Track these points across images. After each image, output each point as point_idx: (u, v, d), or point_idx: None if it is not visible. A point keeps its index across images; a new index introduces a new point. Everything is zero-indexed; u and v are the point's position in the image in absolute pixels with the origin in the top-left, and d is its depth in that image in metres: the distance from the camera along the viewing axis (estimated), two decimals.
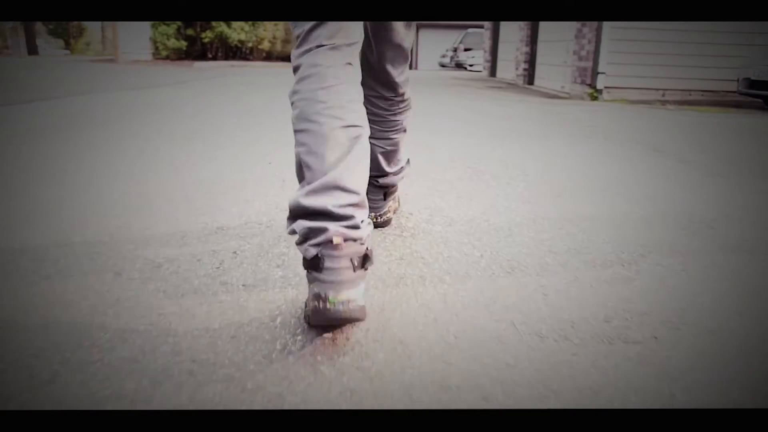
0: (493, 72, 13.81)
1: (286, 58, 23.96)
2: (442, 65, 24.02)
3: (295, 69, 1.16)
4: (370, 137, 1.24)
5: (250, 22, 19.52)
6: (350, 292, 1.02)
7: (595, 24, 7.79)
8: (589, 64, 7.95)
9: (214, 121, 4.08)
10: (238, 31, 18.73)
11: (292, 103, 1.15)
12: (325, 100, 1.10)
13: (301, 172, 1.10)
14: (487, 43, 14.02)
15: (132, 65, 13.77)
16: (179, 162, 2.65)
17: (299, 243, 1.08)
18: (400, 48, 1.42)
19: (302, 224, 1.06)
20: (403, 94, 1.53)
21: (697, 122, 5.14)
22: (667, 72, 8.02)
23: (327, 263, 1.03)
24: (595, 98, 7.88)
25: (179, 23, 16.88)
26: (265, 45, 21.79)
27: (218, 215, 1.85)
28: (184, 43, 17.19)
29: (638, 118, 5.34)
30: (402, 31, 1.39)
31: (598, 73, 7.88)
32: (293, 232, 1.09)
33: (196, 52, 18.28)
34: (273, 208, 1.94)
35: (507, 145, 3.42)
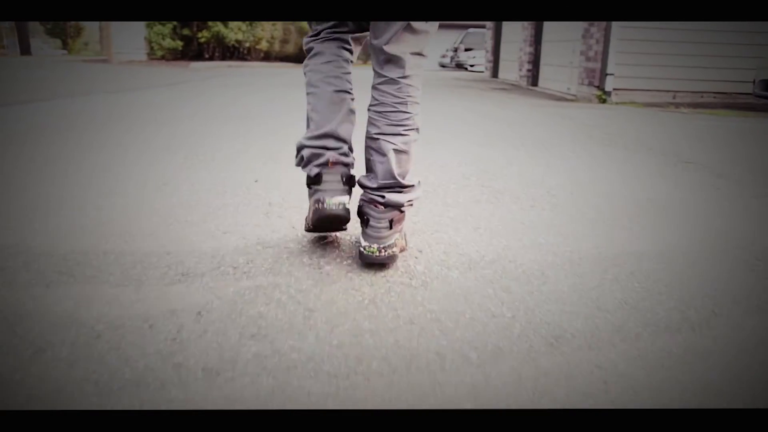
0: (495, 73, 13.48)
1: (285, 58, 23.70)
2: (442, 65, 23.71)
3: (308, 50, 1.58)
4: (380, 133, 1.46)
5: (247, 22, 19.19)
6: (341, 198, 1.46)
7: (603, 24, 7.47)
8: (597, 65, 7.63)
9: (199, 129, 3.75)
10: (235, 31, 18.38)
11: (304, 74, 1.58)
12: (325, 71, 1.52)
13: (308, 122, 1.55)
14: (489, 44, 13.69)
15: (125, 66, 13.41)
16: (150, 182, 2.31)
17: (304, 165, 1.52)
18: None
19: (308, 150, 1.51)
20: (409, 77, 1.48)
21: (716, 127, 4.82)
22: (678, 73, 7.70)
23: (325, 177, 1.46)
24: (603, 100, 7.56)
25: (175, 23, 16.53)
26: (263, 45, 21.44)
27: (186, 254, 1.52)
28: (179, 43, 16.84)
29: (655, 122, 5.01)
30: None
31: (607, 74, 7.55)
32: (301, 160, 1.54)
33: (193, 52, 17.93)
34: (254, 244, 1.60)
35: (523, 156, 3.09)
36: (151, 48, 16.51)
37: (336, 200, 1.45)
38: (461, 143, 3.44)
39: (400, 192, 1.46)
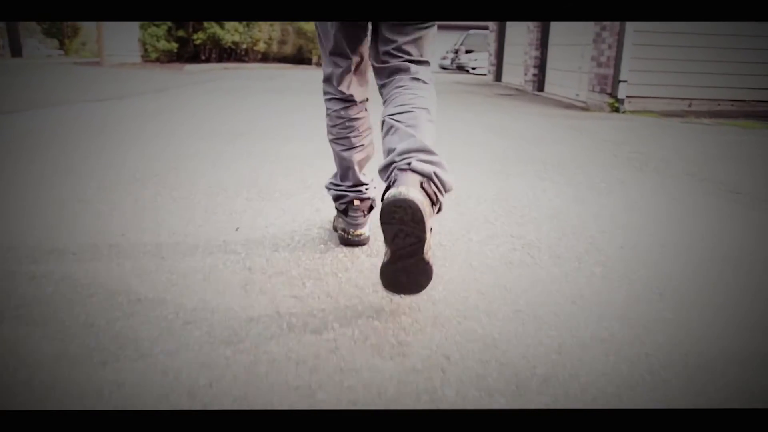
0: (498, 76, 13.07)
1: (283, 59, 23.27)
2: (443, 67, 23.33)
3: (324, 96, 1.77)
4: (389, 114, 1.44)
5: (244, 23, 18.75)
6: (361, 230, 1.80)
7: (616, 28, 7.07)
8: (610, 71, 7.23)
9: (177, 151, 3.33)
10: (231, 33, 17.94)
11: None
12: (334, 133, 1.76)
13: (336, 165, 1.82)
14: (493, 46, 13.28)
15: (116, 69, 12.95)
16: (104, 234, 1.90)
17: (334, 200, 1.84)
18: (399, 35, 1.50)
19: (333, 192, 1.83)
20: (420, 78, 1.53)
21: (747, 143, 4.42)
22: (694, 80, 7.31)
23: (350, 213, 1.79)
24: (615, 109, 7.17)
25: (169, 24, 16.09)
26: (261, 46, 21.02)
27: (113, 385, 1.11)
28: (174, 45, 16.40)
29: (680, 137, 4.61)
30: (397, 26, 1.49)
31: (620, 81, 7.15)
32: (331, 193, 1.84)
33: (188, 54, 17.49)
34: (221, 346, 1.19)
35: (550, 188, 2.68)
36: (145, 50, 16.05)
37: (358, 232, 1.79)
38: (476, 171, 3.03)
39: (426, 162, 1.28)
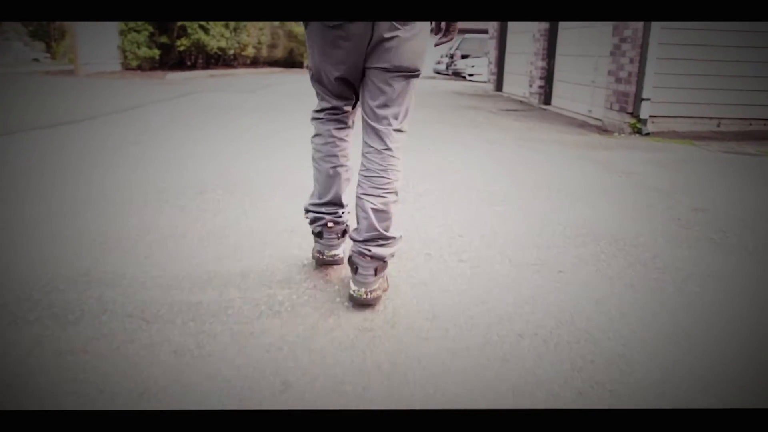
0: (499, 86, 12.34)
1: (274, 63, 22.47)
2: (437, 72, 22.65)
3: (314, 125, 1.94)
4: (364, 194, 1.77)
5: (231, 28, 17.91)
6: (335, 251, 1.99)
7: (638, 40, 6.35)
8: (631, 88, 6.50)
9: (112, 220, 2.56)
10: (217, 38, 17.11)
11: (312, 147, 1.97)
12: (324, 151, 1.90)
13: (313, 187, 1.97)
14: (493, 54, 12.53)
15: (90, 79, 12.08)
16: None
17: (310, 223, 1.99)
18: (383, 94, 1.74)
19: (312, 214, 1.96)
20: (392, 149, 1.77)
21: None
22: (723, 97, 6.60)
23: (325, 235, 1.95)
24: (637, 129, 6.45)
25: (151, 29, 15.24)
26: (249, 51, 20.20)
27: None
28: (156, 52, 15.54)
29: (741, 178, 3.87)
30: (384, 77, 1.71)
31: (642, 99, 6.43)
32: (307, 217, 1.99)
33: (173, 60, 16.64)
34: None
35: (629, 296, 1.93)
36: (125, 57, 15.17)
37: (332, 253, 1.98)
38: (505, 267, 2.27)
39: (383, 245, 1.77)
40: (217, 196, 2.91)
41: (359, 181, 1.79)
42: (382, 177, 1.75)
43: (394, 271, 1.98)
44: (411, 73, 1.72)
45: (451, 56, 21.66)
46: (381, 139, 1.75)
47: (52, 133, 4.85)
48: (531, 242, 2.34)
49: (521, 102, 10.02)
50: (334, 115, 1.88)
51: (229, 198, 2.89)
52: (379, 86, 1.72)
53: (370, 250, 1.73)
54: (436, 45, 1.81)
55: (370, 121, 1.77)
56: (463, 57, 21.12)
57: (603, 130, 6.86)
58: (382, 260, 1.76)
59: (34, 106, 6.99)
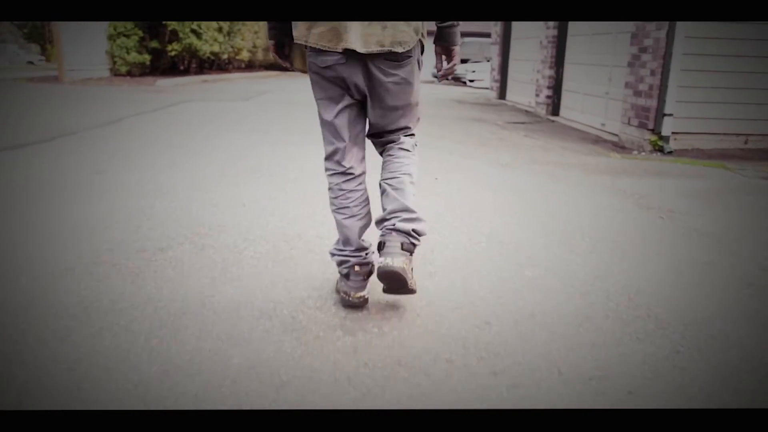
0: (502, 94, 11.82)
1: (270, 67, 21.92)
2: (435, 76, 22.12)
3: (326, 172, 2.00)
4: (382, 179, 1.95)
5: (224, 32, 17.36)
6: (361, 292, 1.97)
7: (660, 51, 5.83)
8: (652, 102, 5.98)
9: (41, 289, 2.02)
10: (210, 42, 16.52)
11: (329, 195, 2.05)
12: (336, 204, 1.97)
13: (338, 233, 2.02)
14: (496, 60, 12.01)
15: (76, 86, 11.50)
16: None
17: (337, 265, 2.01)
18: (393, 109, 1.90)
19: (337, 257, 2.00)
20: (403, 142, 2.01)
21: None
22: (752, 112, 6.09)
23: (351, 277, 1.97)
24: (659, 147, 5.93)
25: (141, 34, 14.68)
26: (244, 55, 19.66)
27: None
28: (147, 57, 14.98)
29: None
30: (393, 90, 1.85)
31: (665, 114, 5.91)
32: (334, 260, 2.03)
33: (164, 65, 16.08)
34: None
35: None
36: (114, 63, 14.58)
37: (358, 294, 1.97)
38: (558, 382, 1.73)
39: (406, 219, 1.85)
40: (181, 253, 2.38)
41: (382, 167, 2.00)
42: (394, 162, 1.96)
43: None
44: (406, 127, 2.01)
45: None
46: (393, 142, 2.01)
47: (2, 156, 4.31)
48: (582, 336, 1.80)
49: (527, 112, 9.50)
50: (339, 166, 1.94)
51: (196, 257, 2.36)
52: (379, 122, 1.94)
53: (394, 225, 1.84)
54: (440, 80, 1.78)
55: (380, 138, 2.01)
56: (463, 61, 20.63)
57: (620, 146, 6.34)
58: (407, 235, 1.83)
59: (11, 118, 6.43)
